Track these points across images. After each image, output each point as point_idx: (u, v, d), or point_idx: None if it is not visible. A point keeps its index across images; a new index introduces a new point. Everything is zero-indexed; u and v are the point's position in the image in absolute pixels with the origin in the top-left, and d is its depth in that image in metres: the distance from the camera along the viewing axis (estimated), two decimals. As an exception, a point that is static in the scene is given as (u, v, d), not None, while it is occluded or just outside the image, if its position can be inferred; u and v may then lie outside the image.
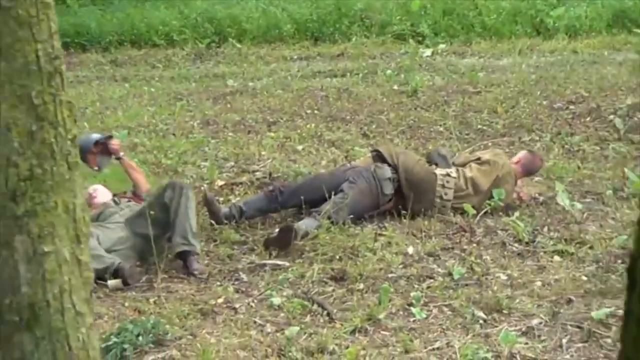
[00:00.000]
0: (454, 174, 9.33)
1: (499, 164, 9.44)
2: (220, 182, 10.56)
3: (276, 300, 7.57)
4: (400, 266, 8.18)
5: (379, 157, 9.59)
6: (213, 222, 9.24)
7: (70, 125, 3.42)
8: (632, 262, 2.21)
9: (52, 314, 3.43)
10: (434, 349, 6.66)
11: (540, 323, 7.02)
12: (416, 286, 7.75)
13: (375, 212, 9.37)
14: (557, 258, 8.21)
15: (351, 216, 9.02)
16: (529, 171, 9.80)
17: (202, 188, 10.05)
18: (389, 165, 9.41)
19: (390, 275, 8.00)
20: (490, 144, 11.61)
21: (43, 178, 3.36)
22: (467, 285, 7.77)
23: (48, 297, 3.41)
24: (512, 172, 9.45)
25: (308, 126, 12.92)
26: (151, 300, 7.56)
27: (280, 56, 18.67)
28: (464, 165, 9.55)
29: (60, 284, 3.43)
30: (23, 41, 3.27)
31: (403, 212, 9.18)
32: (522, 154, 9.96)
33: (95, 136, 9.49)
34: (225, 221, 9.25)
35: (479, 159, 9.61)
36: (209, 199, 9.40)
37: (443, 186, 9.27)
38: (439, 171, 9.36)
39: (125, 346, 6.46)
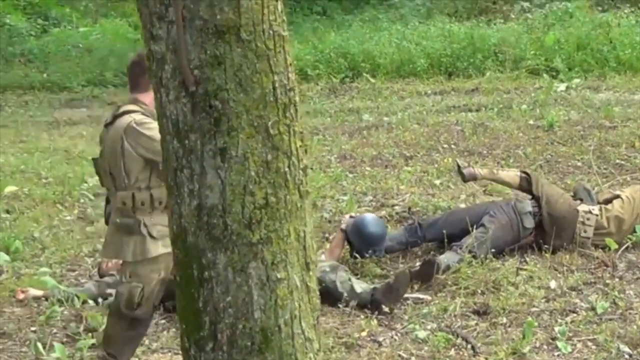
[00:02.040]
0: (596, 211, 9.25)
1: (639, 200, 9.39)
2: (359, 216, 10.59)
3: (421, 334, 7.57)
4: (543, 300, 8.13)
5: (526, 180, 9.56)
6: (356, 255, 9.28)
7: (302, 155, 3.55)
8: None
9: (283, 339, 3.55)
10: (581, 384, 6.67)
11: (688, 359, 6.97)
12: (559, 320, 7.69)
13: (516, 246, 9.31)
14: None
15: (493, 250, 8.98)
16: None
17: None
18: (532, 194, 9.43)
19: (533, 310, 7.94)
20: (629, 178, 11.53)
21: (277, 206, 3.47)
22: (610, 319, 7.68)
23: (279, 322, 3.53)
24: None
25: (445, 160, 12.90)
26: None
27: (415, 91, 18.65)
28: (606, 202, 9.49)
29: (291, 309, 3.55)
30: (261, 73, 3.39)
31: (544, 246, 9.12)
32: None
33: None
34: (367, 255, 9.29)
35: (619, 196, 9.56)
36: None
37: (583, 223, 9.20)
38: (581, 207, 9.30)
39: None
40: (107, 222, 6.97)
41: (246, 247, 3.45)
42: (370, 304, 8.14)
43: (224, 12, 3.30)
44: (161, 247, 6.38)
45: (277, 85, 3.41)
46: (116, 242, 6.51)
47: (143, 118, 6.42)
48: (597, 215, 9.22)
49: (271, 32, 3.38)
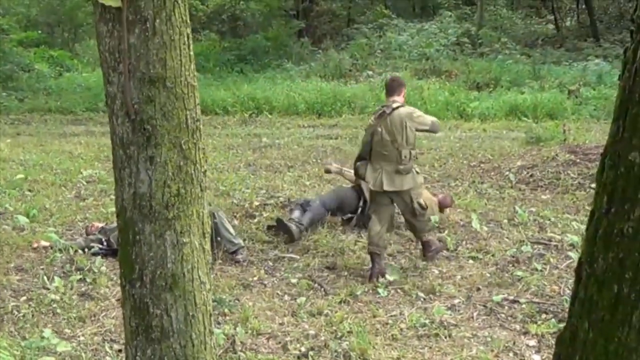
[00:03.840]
0: None
1: (432, 205, 9.41)
2: (256, 203, 10.52)
3: (292, 280, 7.59)
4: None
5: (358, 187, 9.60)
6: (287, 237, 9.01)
7: (203, 163, 3.51)
8: (579, 264, 2.27)
9: (186, 282, 3.51)
10: (391, 316, 6.67)
11: (460, 302, 7.01)
12: (381, 275, 7.74)
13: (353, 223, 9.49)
14: (471, 261, 8.16)
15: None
16: (445, 205, 9.75)
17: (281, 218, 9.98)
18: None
19: (364, 267, 7.98)
20: (429, 185, 11.62)
21: (185, 195, 3.42)
22: (414, 275, 7.74)
23: (184, 270, 3.49)
24: (436, 206, 9.47)
25: (313, 169, 12.87)
26: (212, 277, 7.54)
27: (296, 124, 18.54)
28: None
29: (192, 262, 3.51)
30: (178, 109, 3.31)
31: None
32: (442, 196, 9.91)
33: None
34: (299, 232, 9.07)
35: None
36: (279, 220, 9.26)
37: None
38: None
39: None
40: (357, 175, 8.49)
41: (164, 221, 3.39)
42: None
43: (155, 68, 3.23)
44: (421, 178, 8.27)
45: (188, 117, 3.34)
46: (398, 179, 7.83)
47: (413, 109, 8.05)
48: None
49: (186, 82, 3.31)
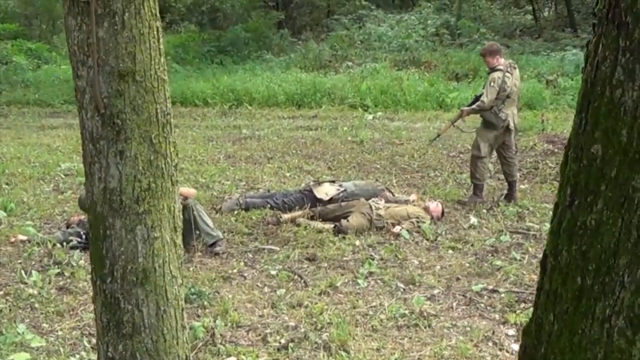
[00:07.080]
0: (381, 212, 9.10)
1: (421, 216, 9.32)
2: (236, 194, 10.46)
3: (272, 272, 7.58)
4: (351, 252, 8.18)
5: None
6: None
7: (174, 157, 3.49)
8: (544, 257, 2.28)
9: (157, 276, 3.49)
10: (371, 307, 6.67)
11: (439, 292, 7.04)
12: (360, 266, 7.74)
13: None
14: (450, 251, 8.21)
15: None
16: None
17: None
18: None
19: (344, 258, 7.98)
20: (409, 176, 11.64)
21: (156, 190, 3.40)
22: (393, 266, 7.75)
23: (155, 265, 3.47)
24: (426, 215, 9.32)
25: (293, 161, 12.88)
26: (191, 269, 7.55)
27: (276, 115, 18.51)
28: (396, 202, 9.61)
29: (163, 257, 3.49)
30: (148, 102, 3.30)
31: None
32: (434, 205, 9.52)
33: None
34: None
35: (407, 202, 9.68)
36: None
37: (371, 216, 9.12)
38: (373, 205, 9.18)
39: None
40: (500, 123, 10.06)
41: (134, 215, 3.37)
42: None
43: (124, 62, 3.20)
44: None
45: (158, 111, 3.32)
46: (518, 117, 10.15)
47: None
48: (380, 213, 9.13)
49: (156, 76, 3.29)
